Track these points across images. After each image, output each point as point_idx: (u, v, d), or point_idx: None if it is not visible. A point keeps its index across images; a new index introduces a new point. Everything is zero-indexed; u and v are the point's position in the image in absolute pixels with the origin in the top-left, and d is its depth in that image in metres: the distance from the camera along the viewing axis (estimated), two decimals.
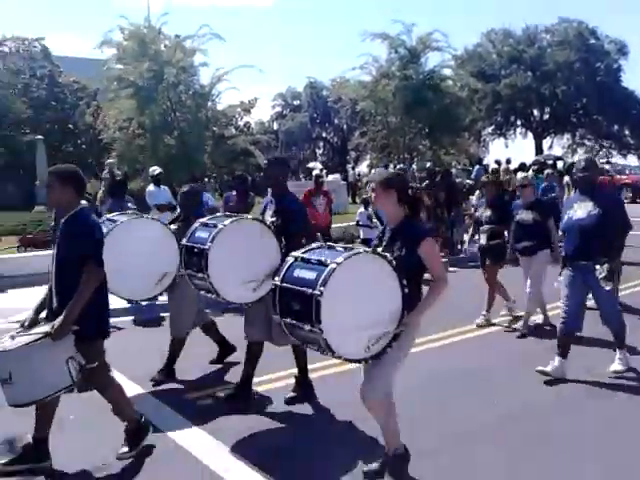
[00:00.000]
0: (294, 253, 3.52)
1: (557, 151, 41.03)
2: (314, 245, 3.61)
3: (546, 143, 42.58)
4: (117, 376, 4.28)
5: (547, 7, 62.94)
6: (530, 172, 14.88)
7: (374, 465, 3.69)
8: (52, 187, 3.98)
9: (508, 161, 19.35)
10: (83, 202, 10.30)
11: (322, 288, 3.11)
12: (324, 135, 47.38)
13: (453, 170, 16.88)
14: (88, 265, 3.75)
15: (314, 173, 11.81)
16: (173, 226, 5.65)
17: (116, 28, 18.51)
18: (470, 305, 7.47)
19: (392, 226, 3.64)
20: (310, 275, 3.25)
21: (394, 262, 3.34)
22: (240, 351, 5.50)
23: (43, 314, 3.98)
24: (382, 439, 3.72)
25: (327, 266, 3.19)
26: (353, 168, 37.43)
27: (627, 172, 27.14)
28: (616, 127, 40.76)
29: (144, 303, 6.72)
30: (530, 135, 42.57)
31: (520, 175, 7.72)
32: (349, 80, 24.51)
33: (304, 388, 5.07)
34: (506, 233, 7.22)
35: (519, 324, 6.92)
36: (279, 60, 78.38)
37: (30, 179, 23.79)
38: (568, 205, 5.51)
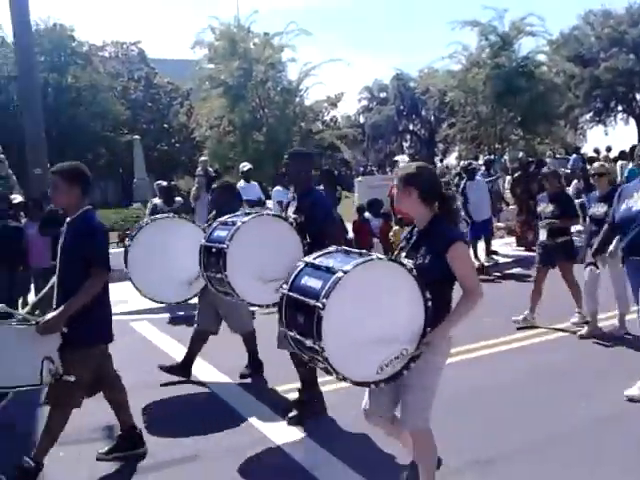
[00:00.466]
0: (305, 258, 3.16)
1: None
2: (331, 248, 3.16)
3: None
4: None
5: None
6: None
7: None
8: (57, 187, 3.73)
9: (608, 149, 18.30)
10: (178, 199, 10.56)
11: (325, 300, 2.71)
12: (411, 127, 46.75)
13: (548, 160, 16.18)
14: (94, 268, 3.59)
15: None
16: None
17: (207, 29, 19.10)
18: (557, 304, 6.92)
19: (420, 228, 3.16)
20: (316, 284, 2.85)
21: (415, 271, 2.89)
22: None
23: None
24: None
25: (334, 274, 2.79)
26: (441, 160, 36.71)
27: None
28: None
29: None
30: (632, 121, 40.08)
31: (596, 164, 6.88)
32: (437, 70, 24.08)
33: (307, 404, 4.55)
34: (576, 228, 6.51)
35: (584, 330, 6.31)
36: (365, 53, 78.06)
37: (128, 177, 25.00)
38: (628, 193, 4.85)
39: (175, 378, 5.47)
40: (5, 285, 7.47)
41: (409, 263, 2.96)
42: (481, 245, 10.66)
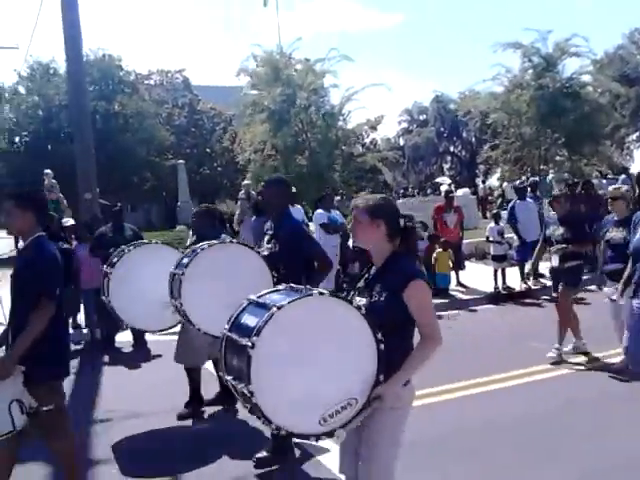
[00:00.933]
0: (251, 296, 2.82)
1: None
2: (280, 287, 2.88)
3: None
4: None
5: None
6: None
7: None
8: (11, 213, 3.50)
9: None
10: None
11: (255, 338, 2.42)
12: (452, 149, 46.50)
13: (595, 181, 15.83)
14: (41, 299, 3.35)
15: (443, 188, 11.61)
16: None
17: (250, 56, 19.48)
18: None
19: (377, 265, 2.84)
20: (252, 322, 2.57)
21: (363, 309, 2.59)
22: None
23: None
24: None
25: (269, 310, 2.51)
26: (483, 182, 36.32)
27: None
28: None
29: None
30: None
31: (611, 187, 6.55)
32: (479, 92, 23.97)
33: (280, 447, 4.19)
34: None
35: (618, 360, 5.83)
36: (405, 76, 78.33)
37: (172, 200, 25.49)
38: None
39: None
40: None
41: (360, 301, 2.70)
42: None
